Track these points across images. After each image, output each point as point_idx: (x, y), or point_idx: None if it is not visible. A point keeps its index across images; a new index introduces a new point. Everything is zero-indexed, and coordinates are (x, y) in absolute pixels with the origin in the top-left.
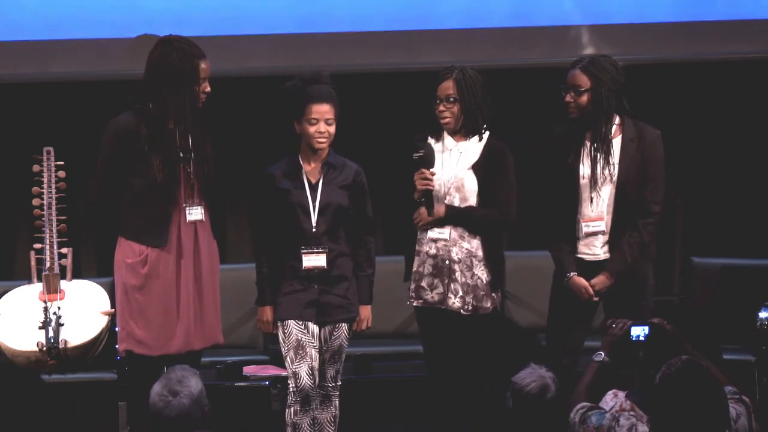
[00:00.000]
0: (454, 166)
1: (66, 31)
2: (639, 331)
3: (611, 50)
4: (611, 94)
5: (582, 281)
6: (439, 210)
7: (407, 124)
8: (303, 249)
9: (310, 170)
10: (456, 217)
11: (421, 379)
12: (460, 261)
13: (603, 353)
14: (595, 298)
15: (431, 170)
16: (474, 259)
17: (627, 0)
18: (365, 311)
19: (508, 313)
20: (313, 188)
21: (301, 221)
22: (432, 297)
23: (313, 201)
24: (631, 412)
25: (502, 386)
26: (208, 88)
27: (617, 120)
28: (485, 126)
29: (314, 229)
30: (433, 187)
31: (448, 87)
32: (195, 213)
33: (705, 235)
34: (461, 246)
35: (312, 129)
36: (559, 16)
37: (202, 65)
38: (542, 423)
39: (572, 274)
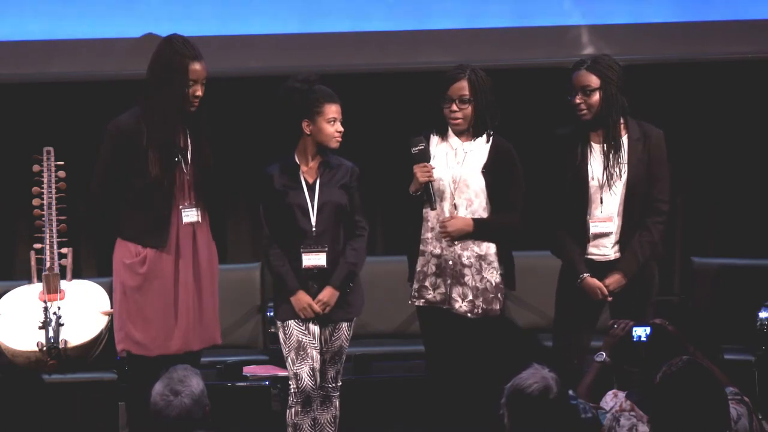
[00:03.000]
0: (460, 166)
1: (66, 31)
2: (641, 332)
3: (611, 50)
4: (619, 92)
5: (596, 282)
6: (468, 225)
7: (407, 124)
8: (303, 248)
9: (307, 170)
10: (483, 229)
11: (421, 379)
12: (471, 265)
13: (604, 353)
14: (609, 298)
15: (431, 164)
16: (483, 262)
17: (627, 0)
18: (327, 293)
19: (509, 313)
20: (311, 188)
21: (299, 221)
22: (434, 296)
23: (312, 201)
24: (632, 412)
25: (501, 386)
26: (199, 92)
27: (621, 120)
28: (489, 128)
29: (314, 229)
30: (434, 179)
31: (462, 87)
32: (191, 215)
33: (705, 235)
34: (472, 249)
35: (331, 128)
36: (559, 16)
37: (194, 67)
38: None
39: (585, 275)
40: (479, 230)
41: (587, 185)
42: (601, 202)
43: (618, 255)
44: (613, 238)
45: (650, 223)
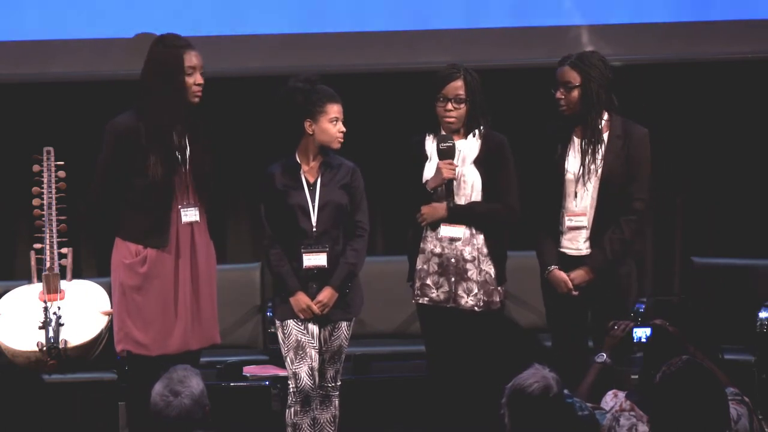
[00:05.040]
0: (456, 164)
1: (66, 31)
2: (641, 333)
3: (611, 50)
4: (601, 90)
5: (561, 275)
6: (440, 209)
7: (407, 124)
8: (303, 249)
9: (308, 170)
10: (459, 214)
11: (421, 379)
12: (474, 259)
13: (605, 354)
14: (575, 292)
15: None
16: (481, 255)
17: (627, 0)
18: (326, 293)
19: (508, 313)
20: (312, 188)
21: (300, 221)
22: (438, 295)
23: (312, 201)
24: (631, 412)
25: (502, 385)
26: (200, 80)
27: (606, 116)
28: (482, 126)
29: (314, 229)
30: (456, 177)
31: (458, 87)
32: (190, 214)
33: (705, 235)
34: (473, 244)
35: (334, 128)
36: (559, 16)
37: (188, 56)
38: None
39: (552, 267)
40: (454, 215)
41: (563, 179)
42: (576, 196)
43: (589, 250)
44: (586, 233)
45: (623, 221)
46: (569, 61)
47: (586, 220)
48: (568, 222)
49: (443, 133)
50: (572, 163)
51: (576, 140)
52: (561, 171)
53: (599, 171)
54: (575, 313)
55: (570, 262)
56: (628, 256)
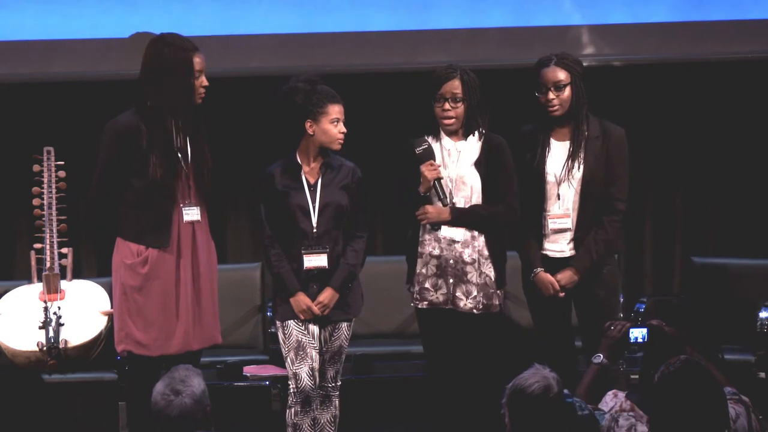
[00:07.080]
0: (455, 165)
1: (66, 31)
2: (638, 333)
3: (611, 50)
4: (584, 87)
5: (548, 277)
6: (444, 212)
7: (407, 124)
8: (304, 250)
9: (309, 170)
10: (462, 217)
11: (421, 379)
12: (473, 262)
13: (602, 355)
14: (561, 294)
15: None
16: (481, 258)
17: (627, 0)
18: (327, 294)
19: (508, 313)
20: (312, 189)
21: (300, 222)
22: (436, 298)
23: (313, 202)
24: (631, 413)
25: (502, 386)
26: (206, 82)
27: None
28: (481, 127)
29: (315, 230)
30: (442, 176)
31: (455, 86)
32: (192, 213)
33: (705, 235)
34: (473, 246)
35: (335, 129)
36: (559, 16)
37: (196, 58)
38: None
39: (539, 270)
40: (457, 217)
41: (544, 181)
42: (558, 198)
43: (573, 252)
44: (569, 235)
45: (606, 221)
46: (554, 61)
47: (569, 222)
48: (551, 224)
49: (422, 137)
50: (552, 165)
51: (554, 142)
52: (542, 173)
53: (580, 172)
54: (560, 314)
55: (553, 264)
56: (610, 255)
